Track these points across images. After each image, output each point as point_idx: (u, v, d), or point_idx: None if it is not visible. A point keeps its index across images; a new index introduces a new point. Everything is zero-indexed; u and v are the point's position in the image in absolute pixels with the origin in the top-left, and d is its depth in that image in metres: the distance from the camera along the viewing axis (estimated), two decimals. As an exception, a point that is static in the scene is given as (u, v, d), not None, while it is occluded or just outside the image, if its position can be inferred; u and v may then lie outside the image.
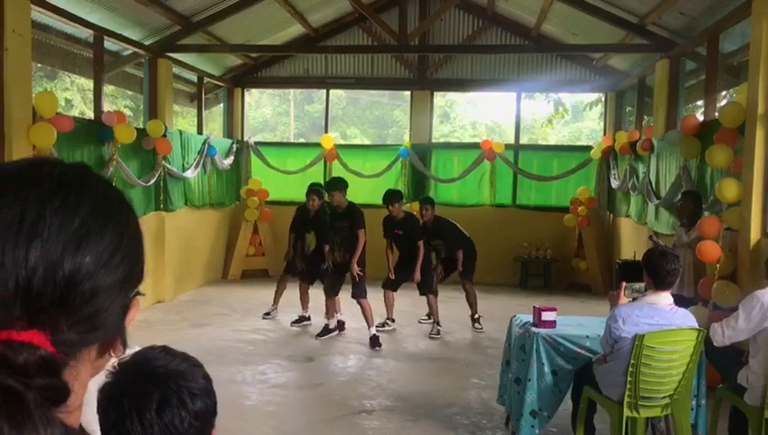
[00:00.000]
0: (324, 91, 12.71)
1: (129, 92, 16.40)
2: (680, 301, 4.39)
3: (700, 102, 9.31)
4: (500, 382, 4.95)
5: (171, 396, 1.26)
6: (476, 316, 7.97)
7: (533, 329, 4.37)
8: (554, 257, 10.99)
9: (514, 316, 4.87)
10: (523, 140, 12.55)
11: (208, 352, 6.37)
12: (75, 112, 17.06)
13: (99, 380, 1.26)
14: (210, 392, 1.34)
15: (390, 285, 7.61)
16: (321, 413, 5.12)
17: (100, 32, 7.92)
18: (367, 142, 24.03)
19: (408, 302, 8.28)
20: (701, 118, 7.53)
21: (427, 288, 7.57)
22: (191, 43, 9.37)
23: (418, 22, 10.64)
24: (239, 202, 11.69)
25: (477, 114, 27.96)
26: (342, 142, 17.18)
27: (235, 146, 11.54)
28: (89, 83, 12.63)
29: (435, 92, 12.36)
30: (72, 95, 18.71)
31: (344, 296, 7.51)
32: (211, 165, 10.51)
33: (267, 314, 8.35)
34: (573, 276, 11.12)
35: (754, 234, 5.61)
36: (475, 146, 11.69)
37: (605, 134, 11.41)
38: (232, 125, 12.08)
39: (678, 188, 7.24)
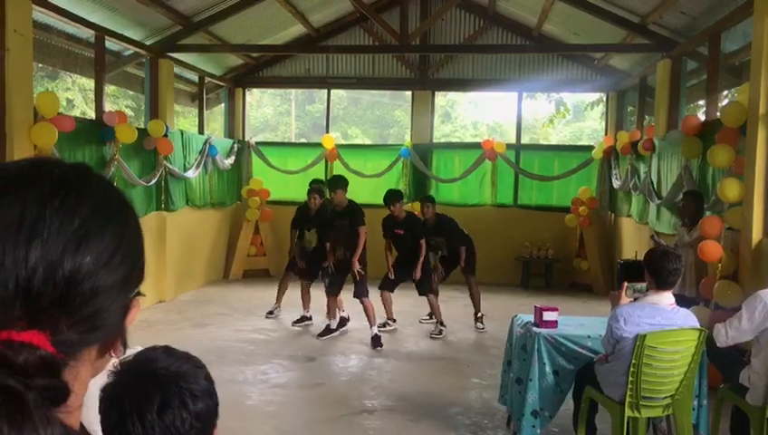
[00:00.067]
0: (325, 90, 12.73)
1: (131, 92, 16.41)
2: (682, 301, 4.39)
3: (701, 102, 9.31)
4: (501, 382, 4.95)
5: (172, 398, 1.26)
6: (479, 315, 7.98)
7: (535, 329, 4.37)
8: (556, 257, 10.99)
9: (516, 316, 4.87)
10: (525, 140, 12.55)
11: (209, 351, 6.37)
12: (76, 112, 17.07)
13: (100, 380, 1.26)
14: (212, 393, 1.34)
15: (387, 286, 7.59)
16: (322, 413, 5.12)
17: (102, 32, 7.92)
18: (368, 142, 24.03)
19: (409, 302, 8.28)
20: (702, 118, 7.52)
21: (426, 288, 7.56)
22: (192, 43, 9.37)
23: (420, 22, 10.63)
24: (240, 202, 11.70)
25: (478, 114, 27.98)
26: (343, 142, 17.19)
27: (236, 146, 11.55)
28: (90, 83, 12.65)
29: (436, 92, 12.35)
30: (74, 95, 18.73)
31: (346, 296, 7.51)
32: (212, 165, 10.51)
33: (270, 312, 8.37)
34: (575, 276, 11.12)
35: (756, 234, 5.60)
36: (476, 146, 11.68)
37: (606, 134, 11.40)
38: (233, 125, 12.09)
39: (680, 187, 7.23)
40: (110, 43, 8.34)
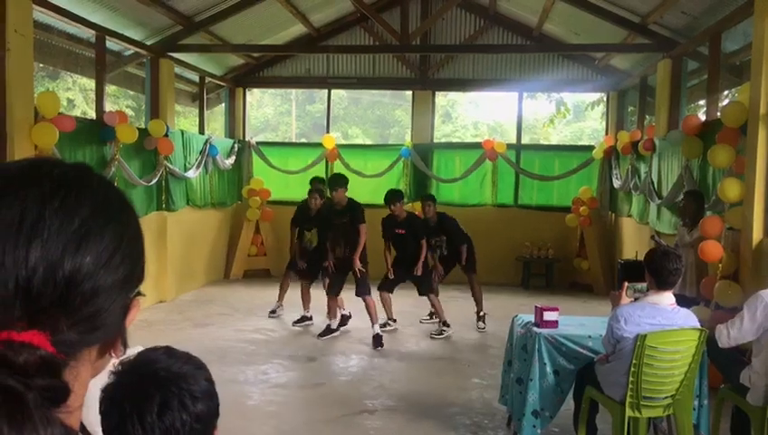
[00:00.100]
0: (326, 90, 12.73)
1: (131, 92, 16.42)
2: (682, 301, 4.39)
3: (702, 102, 9.31)
4: (502, 382, 4.95)
5: (172, 399, 1.26)
6: (482, 314, 7.99)
7: (535, 329, 4.37)
8: (556, 257, 10.99)
9: (516, 316, 4.87)
10: (525, 140, 12.54)
11: (210, 351, 6.37)
12: (77, 112, 17.08)
13: (101, 381, 1.26)
14: (212, 395, 1.34)
15: (387, 287, 7.57)
16: (322, 413, 5.12)
17: (102, 32, 7.92)
18: (368, 142, 24.03)
19: (410, 302, 8.28)
20: (703, 117, 7.52)
21: (426, 288, 7.56)
22: (193, 43, 9.37)
23: (420, 21, 10.63)
24: (241, 202, 11.70)
25: (479, 114, 27.98)
26: (344, 142, 17.19)
27: (236, 146, 11.55)
28: (91, 83, 12.66)
29: (436, 92, 12.35)
30: (74, 95, 18.74)
31: (347, 296, 7.51)
32: (213, 165, 10.51)
33: (273, 311, 8.39)
34: (575, 276, 11.12)
35: (756, 233, 5.60)
36: (476, 146, 11.68)
37: (607, 134, 11.40)
38: (234, 125, 12.09)
39: (680, 187, 7.23)
40: (111, 43, 8.34)
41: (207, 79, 11.20)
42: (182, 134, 9.68)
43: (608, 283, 10.24)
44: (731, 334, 3.68)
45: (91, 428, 1.22)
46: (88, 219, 0.66)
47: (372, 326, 7.14)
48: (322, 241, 7.61)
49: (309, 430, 4.86)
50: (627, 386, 3.68)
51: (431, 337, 7.50)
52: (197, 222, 10.20)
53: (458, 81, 11.90)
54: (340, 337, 7.42)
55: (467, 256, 7.95)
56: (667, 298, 3.73)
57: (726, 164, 6.05)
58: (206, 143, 10.25)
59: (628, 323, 3.66)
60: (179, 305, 9.03)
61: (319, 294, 7.82)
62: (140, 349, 1.40)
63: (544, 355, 4.25)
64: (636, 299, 3.89)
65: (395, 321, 7.82)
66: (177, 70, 9.91)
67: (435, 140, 12.16)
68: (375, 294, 7.31)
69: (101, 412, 1.25)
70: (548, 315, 4.41)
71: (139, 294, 0.75)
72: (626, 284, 3.98)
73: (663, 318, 3.68)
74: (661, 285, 3.69)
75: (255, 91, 14.39)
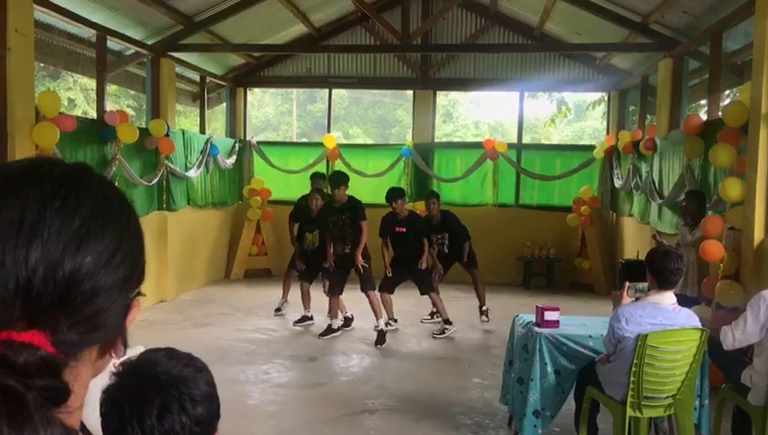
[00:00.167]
0: (327, 90, 12.72)
1: (132, 92, 16.43)
2: (684, 300, 4.38)
3: (703, 102, 9.29)
4: (503, 382, 4.94)
5: (172, 402, 1.26)
6: (484, 308, 8.02)
7: (536, 329, 4.36)
8: (557, 257, 10.98)
9: (517, 316, 4.87)
10: (526, 140, 12.52)
11: (211, 351, 6.37)
12: (78, 112, 17.08)
13: (102, 382, 1.26)
14: (212, 398, 1.34)
15: (387, 287, 7.56)
16: (323, 413, 5.12)
17: (103, 31, 7.92)
18: (369, 142, 24.01)
19: (411, 302, 8.28)
20: (704, 117, 7.51)
21: (427, 287, 7.57)
22: (194, 43, 9.38)
23: (421, 21, 10.63)
24: (242, 202, 11.70)
25: (480, 114, 27.95)
26: (345, 142, 17.18)
27: (237, 145, 11.55)
28: (92, 83, 12.67)
29: (437, 92, 12.34)
30: (75, 95, 18.73)
31: (348, 296, 7.51)
32: (214, 164, 10.51)
33: (278, 309, 8.42)
34: (576, 276, 11.11)
35: (758, 233, 5.59)
36: (477, 145, 11.68)
37: (608, 133, 11.39)
38: (234, 124, 12.09)
39: (682, 187, 7.23)
40: (112, 43, 8.34)
41: (208, 78, 11.20)
42: (183, 134, 9.68)
43: (609, 282, 10.24)
44: (735, 336, 3.67)
45: (93, 429, 1.22)
46: (88, 219, 0.66)
47: (377, 320, 7.15)
48: (323, 241, 7.60)
49: (309, 429, 4.86)
50: (628, 386, 3.67)
51: (433, 337, 7.50)
52: (198, 222, 10.20)
53: (459, 80, 11.89)
54: (341, 337, 7.42)
55: (469, 253, 7.99)
56: (669, 298, 3.73)
57: (728, 164, 6.05)
58: (206, 143, 10.26)
59: (629, 323, 3.65)
60: (180, 305, 9.03)
61: (319, 295, 7.82)
62: (141, 349, 1.40)
63: (545, 355, 4.25)
64: (637, 299, 3.89)
65: (396, 321, 7.81)
66: (178, 69, 9.91)
67: (436, 140, 12.15)
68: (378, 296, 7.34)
69: (102, 414, 1.25)
70: (549, 315, 4.41)
71: (139, 294, 0.74)
72: (627, 283, 3.98)
73: (664, 318, 3.67)
74: (662, 284, 3.69)
75: (256, 90, 14.42)
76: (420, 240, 7.41)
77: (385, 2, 11.07)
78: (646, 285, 3.85)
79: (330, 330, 7.37)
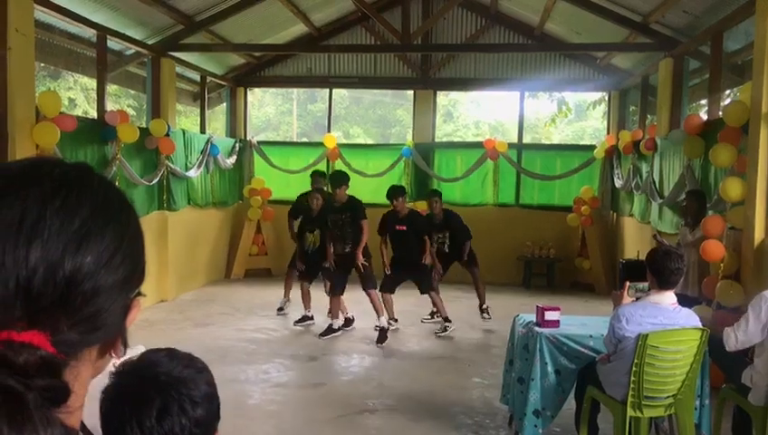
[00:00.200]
0: (327, 90, 12.72)
1: (133, 92, 16.43)
2: (684, 300, 4.38)
3: (704, 101, 9.29)
4: (503, 382, 4.95)
5: (172, 404, 1.26)
6: (485, 306, 8.03)
7: (537, 328, 4.37)
8: (557, 257, 10.98)
9: (518, 316, 4.87)
10: (527, 140, 12.51)
11: (211, 351, 6.37)
12: (78, 112, 17.08)
13: (103, 382, 1.26)
14: (212, 399, 1.34)
15: (387, 287, 7.55)
16: (323, 412, 5.12)
17: (104, 31, 7.93)
18: (370, 142, 23.99)
19: (411, 302, 8.28)
20: (705, 117, 7.51)
21: (427, 286, 7.57)
22: (194, 43, 9.38)
23: (421, 21, 10.63)
24: (242, 201, 11.70)
25: (480, 113, 27.94)
26: (345, 142, 17.18)
27: (237, 145, 11.55)
28: (92, 83, 12.66)
29: (438, 91, 12.34)
30: (76, 94, 18.73)
31: (349, 296, 7.52)
32: (214, 164, 10.51)
33: (281, 308, 8.42)
34: (576, 276, 11.11)
35: (758, 233, 5.59)
36: (478, 145, 11.68)
37: (608, 133, 11.39)
38: (235, 124, 12.09)
39: (682, 187, 7.22)
40: (112, 43, 8.34)
41: (209, 78, 11.20)
42: (183, 134, 9.68)
43: (609, 282, 10.24)
44: (738, 337, 3.66)
45: (93, 428, 1.22)
46: (88, 219, 0.66)
47: (378, 319, 7.16)
48: (323, 241, 7.60)
49: (310, 429, 4.86)
50: (628, 386, 3.67)
51: (436, 335, 7.51)
52: (198, 221, 10.20)
53: (460, 80, 11.89)
54: (342, 337, 7.43)
55: (470, 252, 8.01)
56: (669, 298, 3.73)
57: (728, 163, 6.05)
58: (207, 143, 10.26)
59: (629, 323, 3.65)
60: (180, 305, 9.03)
61: (320, 295, 7.82)
62: (142, 348, 1.41)
63: (546, 355, 4.25)
64: (637, 299, 3.89)
65: (396, 320, 7.81)
66: (179, 69, 9.91)
67: (436, 140, 12.15)
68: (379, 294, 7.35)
69: (102, 414, 1.25)
70: (549, 315, 4.41)
71: (139, 294, 0.74)
72: (627, 283, 3.98)
73: (665, 318, 3.67)
74: (663, 284, 3.69)
75: (257, 90, 14.42)
76: (421, 238, 7.41)
77: (385, 2, 11.07)
78: (646, 284, 3.85)
79: (330, 330, 7.37)
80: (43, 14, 6.94)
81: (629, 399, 3.70)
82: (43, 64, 10.73)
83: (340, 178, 7.23)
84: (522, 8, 10.71)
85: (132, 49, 8.94)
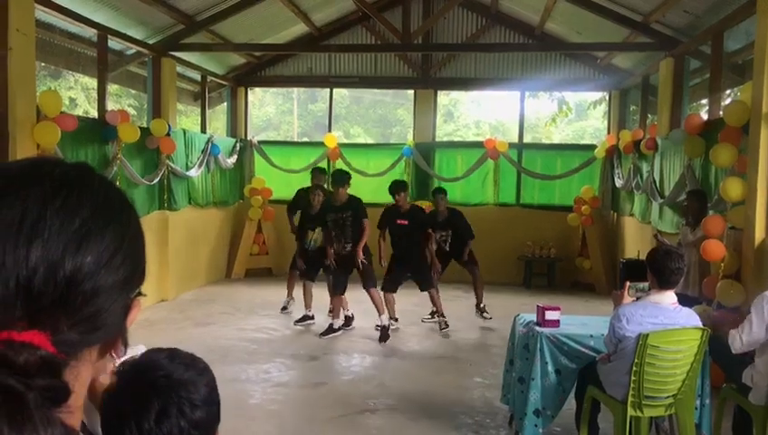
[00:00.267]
0: (328, 90, 12.73)
1: (133, 91, 16.43)
2: (685, 300, 4.38)
3: (704, 101, 9.29)
4: (503, 381, 4.95)
5: (171, 407, 1.26)
6: (482, 305, 8.05)
7: (537, 328, 4.37)
8: (558, 256, 10.98)
9: (518, 315, 4.87)
10: (527, 139, 12.51)
11: (212, 350, 6.37)
12: (79, 111, 17.09)
13: (105, 381, 1.26)
14: (212, 401, 1.33)
15: (389, 286, 7.55)
16: (324, 412, 5.12)
17: (104, 31, 7.93)
18: (370, 141, 23.98)
19: (412, 301, 8.28)
20: (705, 117, 7.51)
21: (428, 284, 7.58)
22: (195, 42, 9.38)
23: (422, 20, 10.63)
24: (243, 201, 11.71)
25: (481, 113, 27.92)
26: (346, 141, 17.18)
27: (238, 145, 11.56)
28: (93, 82, 12.66)
29: (438, 91, 12.35)
30: (76, 94, 18.73)
31: (349, 296, 7.52)
32: (215, 164, 10.52)
33: (284, 308, 8.43)
34: (577, 275, 11.11)
35: (759, 233, 5.59)
36: (478, 145, 11.68)
37: (609, 133, 11.39)
38: (235, 124, 12.10)
39: (682, 187, 7.22)
40: (113, 42, 8.35)
41: (209, 78, 11.21)
42: (184, 133, 9.68)
43: (610, 282, 10.24)
44: (743, 340, 3.66)
45: (94, 428, 1.22)
46: (89, 219, 0.66)
47: (379, 317, 7.18)
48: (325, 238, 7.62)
49: (310, 428, 4.86)
50: (629, 385, 3.67)
51: (440, 330, 7.57)
52: (199, 221, 10.21)
53: (460, 80, 11.89)
54: (342, 336, 7.43)
55: (471, 251, 8.04)
56: (669, 297, 3.73)
57: (729, 163, 6.04)
58: (207, 142, 10.26)
59: (630, 323, 3.65)
60: (181, 304, 9.04)
61: (322, 294, 7.82)
62: (142, 348, 1.40)
63: (546, 354, 4.25)
64: (638, 298, 3.89)
65: (396, 320, 7.82)
66: (179, 69, 9.91)
67: (437, 139, 12.16)
68: (380, 293, 7.35)
69: (101, 414, 1.25)
70: (550, 315, 4.41)
71: (139, 294, 0.74)
72: (628, 283, 3.97)
73: (665, 317, 3.67)
74: (663, 284, 3.69)
75: (257, 90, 14.42)
76: (422, 233, 7.42)
77: (386, 1, 11.07)
78: (647, 284, 3.85)
79: (331, 329, 7.38)
80: (43, 13, 6.94)
81: (630, 398, 3.70)
82: (43, 64, 10.73)
83: (342, 178, 7.23)
84: (522, 8, 10.71)
85: (133, 49, 8.95)
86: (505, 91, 13.83)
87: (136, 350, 1.39)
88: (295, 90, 24.82)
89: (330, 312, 7.58)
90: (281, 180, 11.67)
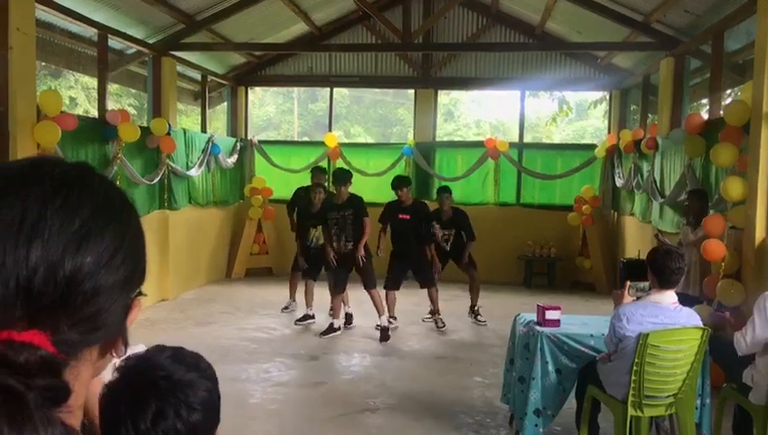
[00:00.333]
0: (328, 89, 12.73)
1: (134, 91, 16.43)
2: (685, 300, 4.38)
3: (705, 101, 9.28)
4: (504, 381, 4.94)
5: (168, 408, 1.25)
6: (476, 308, 8.06)
7: (537, 328, 4.36)
8: (558, 256, 10.98)
9: (518, 315, 4.87)
10: (527, 139, 12.50)
11: (212, 350, 6.37)
12: (79, 111, 17.08)
13: (106, 379, 1.26)
14: (212, 404, 1.32)
15: (392, 285, 7.57)
16: (324, 411, 5.12)
17: (105, 30, 7.93)
18: (371, 141, 23.99)
19: (412, 301, 8.28)
20: (706, 116, 7.51)
21: (430, 282, 7.60)
22: (195, 42, 9.38)
23: (422, 20, 10.63)
24: (243, 200, 11.71)
25: (481, 112, 27.91)
26: (346, 141, 17.18)
27: (238, 144, 11.56)
28: (93, 82, 12.66)
29: (439, 91, 12.35)
30: (77, 94, 18.73)
31: (351, 295, 7.52)
32: (215, 163, 10.52)
33: (286, 307, 8.45)
34: (577, 275, 11.11)
35: (759, 232, 5.59)
36: (479, 144, 11.68)
37: (609, 132, 11.39)
38: (236, 123, 12.10)
39: (683, 186, 7.22)
40: (113, 42, 8.35)
41: (210, 77, 11.21)
42: (184, 133, 9.68)
43: (610, 282, 10.23)
44: (747, 341, 3.66)
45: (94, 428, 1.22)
46: (89, 219, 0.66)
47: (379, 318, 7.18)
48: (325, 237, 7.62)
49: (311, 428, 4.86)
50: (629, 385, 3.67)
51: (438, 328, 7.57)
52: (199, 221, 10.21)
53: (461, 79, 11.89)
54: (343, 335, 7.43)
55: (471, 253, 8.04)
56: (670, 297, 3.73)
57: (729, 163, 6.04)
58: (208, 142, 10.26)
59: (630, 322, 3.65)
60: (181, 304, 9.04)
61: (323, 293, 7.82)
62: (143, 347, 1.40)
63: (546, 354, 4.25)
64: (638, 298, 3.89)
65: (395, 319, 7.81)
66: (180, 68, 9.91)
67: (437, 139, 12.16)
68: (380, 293, 7.35)
69: (100, 410, 1.25)
70: (550, 314, 4.41)
71: (140, 294, 0.74)
72: (628, 282, 3.98)
73: (665, 317, 3.67)
74: (663, 283, 3.69)
75: (257, 89, 14.42)
76: (424, 228, 7.44)
77: (386, 1, 11.07)
78: (647, 284, 3.85)
79: (331, 329, 7.38)
80: (44, 13, 6.94)
81: (630, 398, 3.70)
82: (44, 63, 10.73)
83: (343, 176, 7.23)
84: (523, 7, 10.70)
85: (133, 48, 8.95)
86: (506, 90, 13.81)
87: (136, 350, 1.39)
88: (296, 89, 24.81)
89: (330, 311, 7.58)
90: (281, 180, 11.66)
